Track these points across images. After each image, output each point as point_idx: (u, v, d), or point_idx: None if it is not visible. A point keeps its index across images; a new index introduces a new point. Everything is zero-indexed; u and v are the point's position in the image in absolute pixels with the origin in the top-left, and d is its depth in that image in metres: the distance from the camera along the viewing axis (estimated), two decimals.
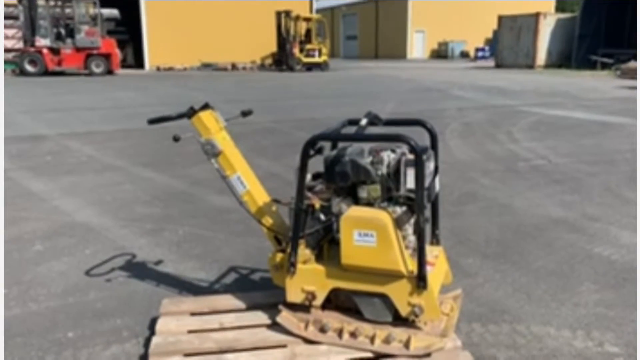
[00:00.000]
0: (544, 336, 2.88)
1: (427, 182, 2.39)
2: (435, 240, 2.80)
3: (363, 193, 2.49)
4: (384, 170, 2.46)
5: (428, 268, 2.51)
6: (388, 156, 2.47)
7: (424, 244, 2.34)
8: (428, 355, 2.40)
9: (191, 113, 2.74)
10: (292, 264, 2.58)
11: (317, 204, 2.58)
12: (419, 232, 2.33)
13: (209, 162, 2.77)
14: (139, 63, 31.29)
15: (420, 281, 2.38)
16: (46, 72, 23.63)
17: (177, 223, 4.68)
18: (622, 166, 6.83)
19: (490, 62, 36.22)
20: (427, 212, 2.60)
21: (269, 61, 33.13)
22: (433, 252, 2.69)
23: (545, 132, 9.39)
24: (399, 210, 2.43)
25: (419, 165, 2.27)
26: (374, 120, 2.63)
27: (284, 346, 2.53)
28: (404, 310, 2.45)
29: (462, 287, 3.44)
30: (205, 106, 2.81)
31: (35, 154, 7.73)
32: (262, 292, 3.08)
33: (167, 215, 4.92)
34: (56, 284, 3.57)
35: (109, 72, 25.01)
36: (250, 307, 2.87)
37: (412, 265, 2.42)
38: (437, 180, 2.56)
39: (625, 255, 3.94)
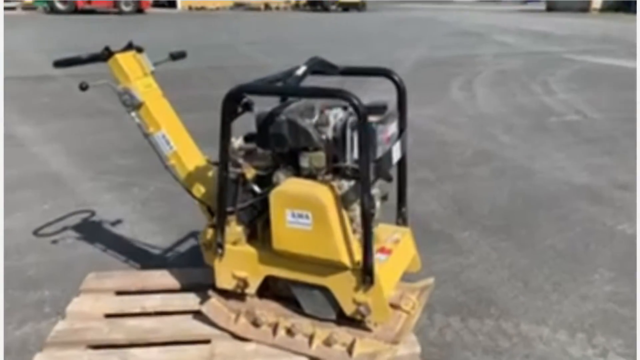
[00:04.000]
0: (534, 339, 2.37)
1: (379, 151, 1.86)
2: (402, 220, 2.28)
3: (304, 162, 1.97)
4: (329, 134, 1.93)
5: (381, 257, 2.01)
6: (335, 116, 1.93)
7: (371, 229, 1.83)
8: None
9: (106, 55, 2.24)
10: (219, 244, 2.12)
11: (250, 173, 2.08)
12: (363, 215, 1.81)
13: (129, 115, 2.29)
14: (171, 2, 30.60)
15: (366, 275, 1.88)
16: (76, 10, 23.33)
17: (150, 177, 4.27)
18: None
19: (542, 6, 33.89)
20: (387, 187, 2.09)
21: (303, 1, 31.92)
22: (394, 236, 2.17)
23: (587, 83, 8.49)
24: (347, 184, 1.91)
25: (363, 130, 1.73)
26: (322, 68, 2.08)
27: (207, 342, 2.11)
28: (348, 309, 1.97)
29: (450, 267, 2.96)
30: (129, 47, 2.31)
31: (34, 95, 7.43)
32: (205, 269, 2.64)
33: (142, 168, 4.51)
34: None
35: (139, 10, 24.51)
36: (186, 288, 2.45)
37: (360, 255, 1.92)
38: (397, 147, 1.99)
39: None
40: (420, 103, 7.08)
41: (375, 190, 2.02)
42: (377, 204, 2.03)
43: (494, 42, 14.05)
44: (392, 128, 1.97)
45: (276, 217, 1.93)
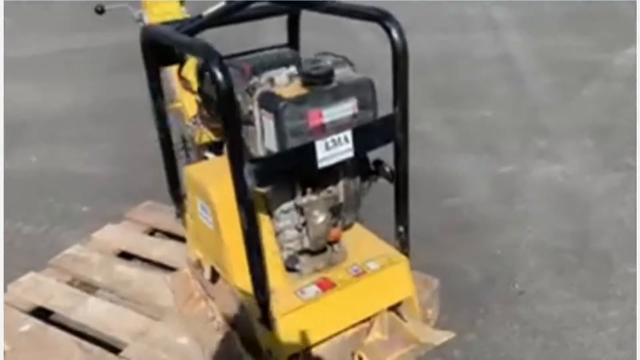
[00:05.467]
0: None
1: (290, 143, 1.20)
2: (399, 243, 1.51)
3: (245, 136, 1.43)
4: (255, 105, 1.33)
5: (306, 292, 1.39)
6: (269, 80, 1.30)
7: (256, 254, 1.23)
8: None
9: None
10: (177, 213, 1.79)
11: (202, 137, 1.64)
12: (245, 234, 1.22)
13: None
14: None
15: (262, 314, 1.32)
16: None
17: None
18: None
19: None
20: (343, 196, 1.40)
21: None
22: (368, 264, 1.46)
23: None
24: None
25: (225, 112, 1.10)
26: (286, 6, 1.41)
27: (155, 318, 1.86)
28: (262, 343, 1.45)
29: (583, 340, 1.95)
30: None
31: None
32: None
33: None
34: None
35: None
36: None
37: (276, 281, 1.36)
38: (335, 141, 1.23)
39: None
40: None
41: (320, 195, 1.36)
42: (321, 217, 1.36)
43: None
44: (338, 111, 1.24)
45: (191, 203, 1.49)
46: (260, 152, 1.28)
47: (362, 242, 1.54)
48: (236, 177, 1.14)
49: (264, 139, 1.25)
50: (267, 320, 1.31)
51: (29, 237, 2.64)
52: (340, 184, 1.38)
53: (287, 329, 1.32)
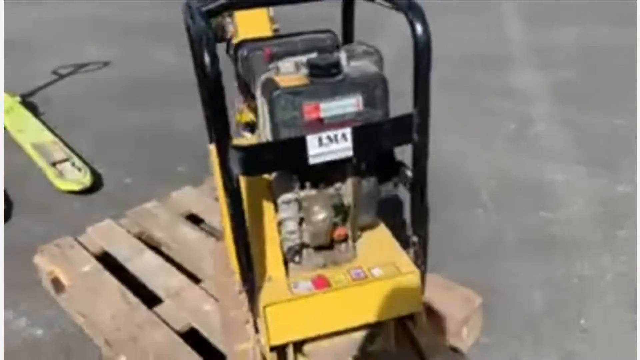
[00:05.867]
0: None
1: (281, 133, 1.16)
2: (414, 254, 1.38)
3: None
4: None
5: (299, 287, 1.34)
6: (276, 69, 1.26)
7: (243, 240, 1.22)
8: None
9: None
10: None
11: (243, 115, 1.64)
12: (230, 221, 1.21)
13: None
14: None
15: (248, 301, 1.32)
16: None
17: None
18: None
19: None
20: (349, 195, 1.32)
21: None
22: (375, 269, 1.37)
23: None
24: None
25: (210, 94, 1.08)
26: None
27: (195, 281, 1.95)
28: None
29: None
30: None
31: None
32: None
33: None
34: None
35: None
36: None
37: (273, 268, 1.35)
38: (333, 137, 1.14)
39: None
40: None
41: (321, 191, 1.30)
42: (321, 214, 1.30)
43: None
44: (338, 106, 1.16)
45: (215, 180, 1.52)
46: (263, 139, 1.26)
47: (378, 246, 1.45)
48: (221, 164, 1.13)
49: (265, 126, 1.22)
50: (252, 308, 1.30)
51: (127, 187, 2.92)
52: (349, 182, 1.31)
53: (271, 320, 1.30)
